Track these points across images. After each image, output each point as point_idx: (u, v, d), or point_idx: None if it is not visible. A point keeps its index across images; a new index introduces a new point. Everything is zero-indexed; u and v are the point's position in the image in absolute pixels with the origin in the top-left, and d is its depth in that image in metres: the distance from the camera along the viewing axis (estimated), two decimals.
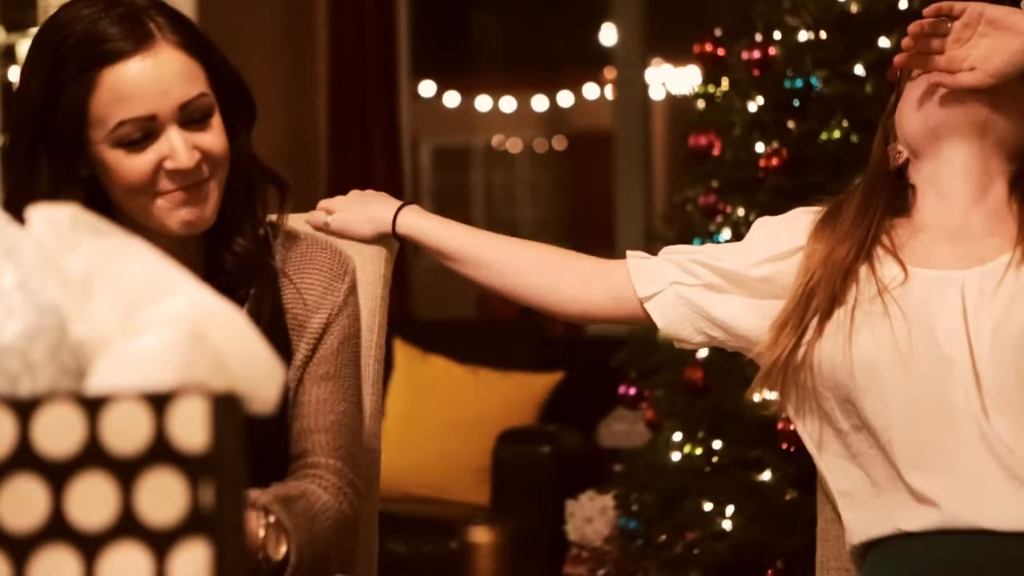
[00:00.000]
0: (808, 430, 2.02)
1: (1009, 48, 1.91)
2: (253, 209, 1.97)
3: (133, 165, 1.84)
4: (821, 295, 1.97)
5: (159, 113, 1.83)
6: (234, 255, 1.94)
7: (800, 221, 2.08)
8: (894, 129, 2.08)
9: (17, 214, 1.76)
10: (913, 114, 2.02)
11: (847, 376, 1.93)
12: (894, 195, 2.06)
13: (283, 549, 1.77)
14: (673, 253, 2.12)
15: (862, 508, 1.97)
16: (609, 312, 2.14)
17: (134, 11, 1.85)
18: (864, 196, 2.05)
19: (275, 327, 1.92)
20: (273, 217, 2.01)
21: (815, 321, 1.96)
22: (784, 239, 2.06)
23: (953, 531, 1.87)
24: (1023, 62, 1.92)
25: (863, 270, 1.98)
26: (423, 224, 2.19)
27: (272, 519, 1.76)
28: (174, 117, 1.84)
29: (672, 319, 2.08)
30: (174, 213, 1.87)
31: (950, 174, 2.01)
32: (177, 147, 1.84)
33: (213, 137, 1.87)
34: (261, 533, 1.75)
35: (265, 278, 1.95)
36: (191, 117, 1.85)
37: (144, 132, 1.83)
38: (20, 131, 1.87)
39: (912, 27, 1.97)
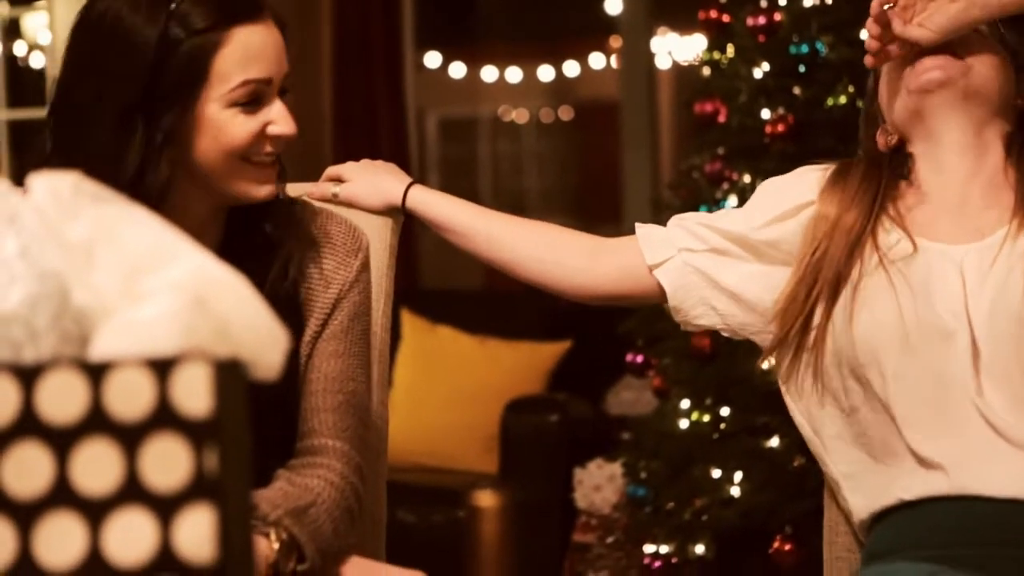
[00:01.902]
0: (806, 412, 2.02)
1: (949, 9, 1.95)
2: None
3: (243, 126, 1.86)
4: (827, 271, 1.97)
5: (274, 78, 1.88)
6: (264, 228, 1.96)
7: (805, 178, 2.08)
8: (881, 113, 2.09)
9: (109, 181, 1.78)
10: (895, 99, 2.04)
11: (851, 351, 1.94)
12: (898, 163, 2.07)
13: (292, 562, 1.78)
14: (683, 219, 2.12)
15: (864, 486, 1.99)
16: (617, 286, 2.14)
17: None
18: (867, 170, 2.06)
19: (287, 300, 1.92)
20: None
21: (822, 298, 1.96)
22: (788, 197, 2.06)
23: (953, 498, 1.89)
24: (966, 19, 1.95)
25: (868, 242, 1.99)
26: (432, 200, 2.20)
27: (285, 536, 1.77)
28: (278, 86, 1.90)
29: (678, 287, 2.08)
30: (262, 182, 1.91)
31: (944, 150, 2.02)
32: (284, 114, 1.89)
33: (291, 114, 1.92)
34: (275, 547, 1.76)
35: (282, 251, 1.95)
36: (283, 91, 1.91)
37: (256, 96, 1.87)
38: (121, 86, 1.82)
39: (868, 26, 2.01)
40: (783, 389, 2.05)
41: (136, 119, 1.82)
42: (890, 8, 1.99)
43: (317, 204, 2.05)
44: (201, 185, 1.89)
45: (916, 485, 1.92)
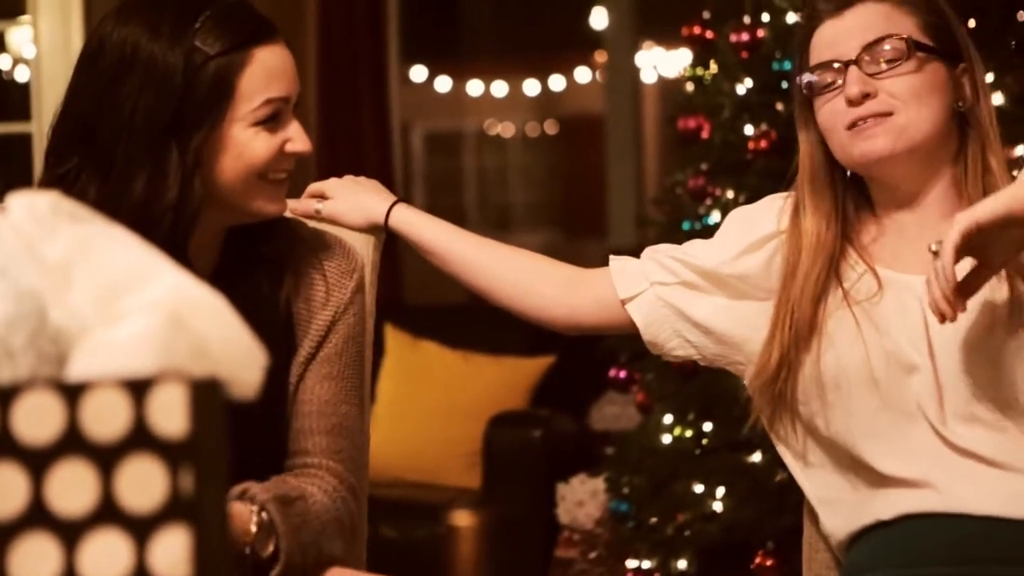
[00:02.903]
0: (791, 444, 2.04)
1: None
2: None
3: (265, 145, 1.89)
4: (798, 310, 1.98)
5: (291, 97, 1.91)
6: (260, 246, 1.96)
7: (771, 207, 2.08)
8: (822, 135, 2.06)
9: (152, 213, 1.79)
10: (834, 140, 2.02)
11: (819, 388, 1.97)
12: (854, 188, 2.07)
13: (271, 547, 1.78)
14: (655, 252, 2.13)
15: (841, 510, 2.02)
16: (593, 317, 2.15)
17: (248, 3, 1.93)
18: (823, 203, 2.05)
19: (279, 319, 1.93)
20: None
21: (792, 336, 1.97)
22: (755, 228, 2.07)
23: (929, 515, 1.92)
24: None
25: (833, 280, 2.01)
26: (415, 220, 2.20)
27: (266, 517, 1.76)
28: (293, 104, 1.93)
29: (651, 321, 2.09)
30: (276, 199, 1.93)
31: (896, 189, 2.02)
32: (301, 132, 1.92)
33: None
34: (253, 529, 1.76)
35: (277, 270, 1.96)
36: (294, 108, 1.94)
37: (276, 114, 1.89)
38: (149, 113, 1.83)
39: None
40: (766, 426, 2.07)
41: (170, 144, 1.83)
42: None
43: (311, 223, 2.07)
44: (216, 204, 1.89)
45: (891, 505, 1.95)
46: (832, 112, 1.99)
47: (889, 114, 1.96)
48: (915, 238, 2.00)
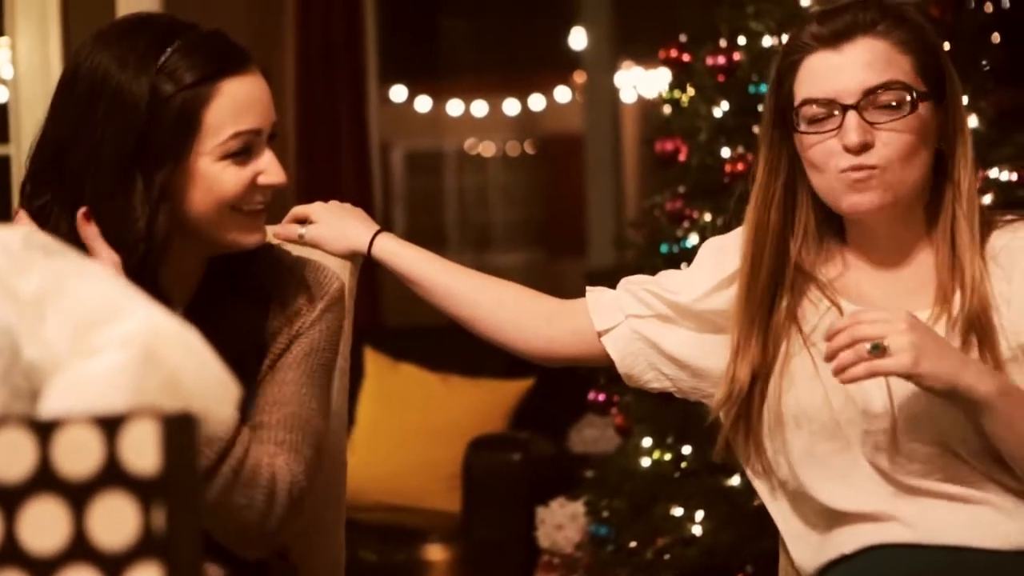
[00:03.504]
0: (758, 474, 2.07)
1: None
2: None
3: (235, 178, 1.86)
4: (753, 350, 1.99)
5: (263, 129, 1.89)
6: (240, 274, 1.94)
7: (736, 240, 2.07)
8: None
9: (116, 240, 1.75)
10: (817, 177, 1.98)
11: (779, 428, 1.99)
12: (822, 220, 2.05)
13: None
14: (630, 283, 2.13)
15: (809, 543, 2.04)
16: (571, 350, 2.16)
17: (223, 33, 1.90)
18: (761, 221, 2.03)
19: (259, 349, 1.91)
20: None
21: (756, 376, 1.99)
22: (727, 263, 2.07)
23: (890, 547, 1.95)
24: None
25: (792, 323, 2.01)
26: (397, 250, 2.21)
27: None
28: (267, 135, 1.90)
29: (626, 353, 2.10)
30: (252, 230, 1.91)
31: (870, 228, 2.02)
32: (274, 164, 1.90)
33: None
34: None
35: (256, 297, 1.95)
36: (270, 139, 1.91)
37: (246, 146, 1.87)
38: (115, 143, 1.82)
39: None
40: (739, 458, 2.08)
41: (135, 175, 1.82)
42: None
43: (295, 252, 2.04)
44: (191, 235, 1.88)
45: (854, 538, 1.97)
46: (826, 152, 1.95)
47: (878, 167, 1.93)
48: (882, 275, 2.01)
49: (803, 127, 1.97)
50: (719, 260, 2.08)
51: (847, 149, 1.93)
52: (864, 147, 1.93)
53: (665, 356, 2.09)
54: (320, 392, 1.95)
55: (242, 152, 1.86)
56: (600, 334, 2.11)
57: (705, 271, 2.09)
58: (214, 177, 1.85)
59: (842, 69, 1.95)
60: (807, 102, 1.96)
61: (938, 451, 1.94)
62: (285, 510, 1.85)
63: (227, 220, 1.88)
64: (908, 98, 1.94)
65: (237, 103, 1.85)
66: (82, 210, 1.84)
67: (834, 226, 2.06)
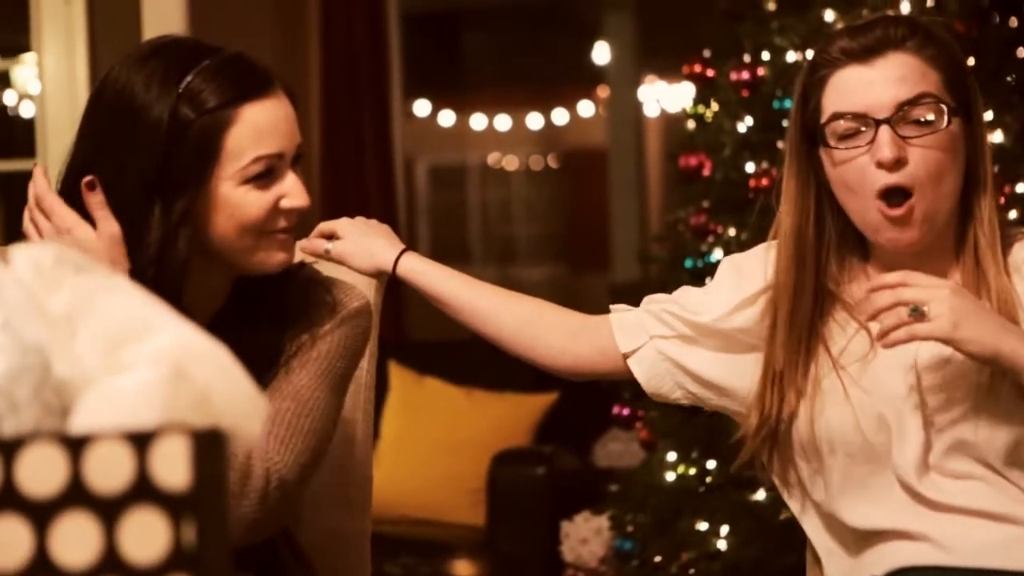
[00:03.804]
0: (790, 496, 2.06)
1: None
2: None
3: (257, 202, 1.85)
4: (787, 372, 1.98)
5: (286, 152, 1.87)
6: (266, 295, 1.93)
7: (764, 259, 2.06)
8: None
9: (134, 258, 1.76)
10: (851, 201, 1.96)
11: (813, 448, 1.98)
12: (844, 238, 2.03)
13: None
14: (652, 303, 2.13)
15: (842, 560, 2.03)
16: (596, 366, 2.17)
17: (246, 56, 1.89)
18: (799, 252, 2.00)
19: (267, 368, 1.90)
20: None
21: (786, 397, 1.98)
22: (747, 283, 2.05)
23: (920, 569, 1.94)
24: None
25: (820, 344, 1.99)
26: (422, 269, 2.21)
27: None
28: (291, 158, 1.89)
29: (652, 375, 2.11)
30: (277, 252, 1.90)
31: (900, 255, 1.98)
32: (297, 187, 1.88)
33: (304, 183, 1.91)
34: None
35: (281, 319, 1.94)
36: (296, 160, 1.90)
37: (269, 170, 1.86)
38: (137, 165, 1.82)
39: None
40: (774, 479, 2.08)
41: (154, 200, 1.82)
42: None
43: (325, 272, 2.02)
44: (216, 259, 1.88)
45: (884, 560, 1.96)
46: (859, 171, 1.92)
47: (912, 192, 1.91)
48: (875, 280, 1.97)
49: (832, 143, 1.94)
50: (737, 280, 2.07)
51: (880, 165, 1.90)
52: (898, 163, 1.90)
53: (690, 376, 2.09)
54: (326, 396, 1.92)
55: (264, 176, 1.86)
56: (625, 356, 2.11)
57: (724, 291, 2.08)
58: (236, 202, 1.85)
59: (874, 83, 1.92)
60: (837, 116, 1.94)
61: (974, 468, 1.93)
62: (257, 498, 1.81)
63: (251, 243, 1.88)
64: (942, 112, 1.92)
65: (258, 128, 1.84)
66: (86, 179, 1.84)
67: (853, 240, 2.03)
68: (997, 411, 1.92)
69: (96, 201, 1.84)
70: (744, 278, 2.06)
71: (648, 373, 2.11)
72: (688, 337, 2.08)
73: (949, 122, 1.92)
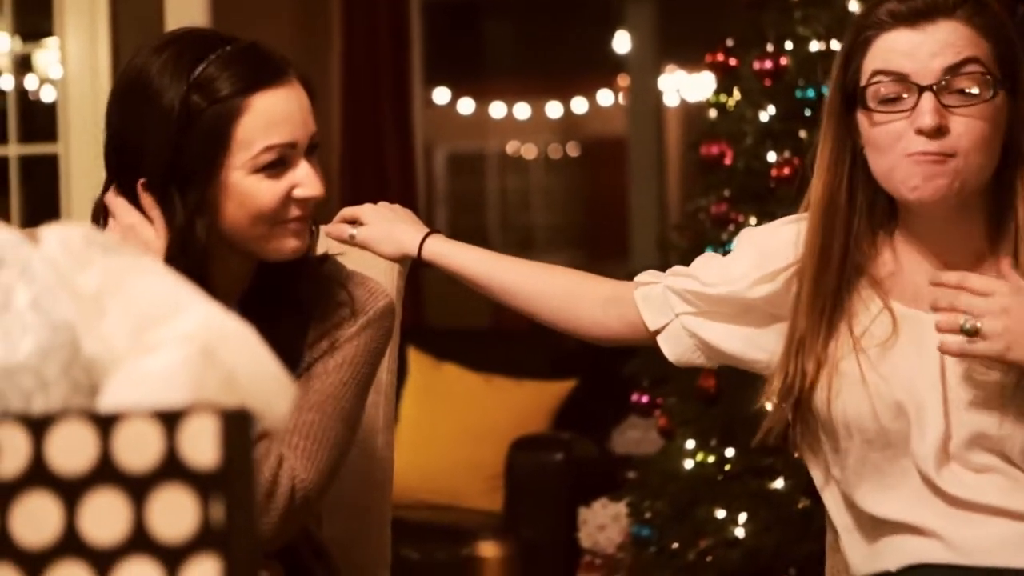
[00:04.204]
0: (814, 467, 2.05)
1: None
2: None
3: (268, 191, 1.86)
4: (820, 344, 1.96)
5: (298, 142, 1.87)
6: (286, 285, 1.94)
7: (782, 235, 2.04)
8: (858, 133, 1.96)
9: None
10: (881, 160, 1.92)
11: (831, 429, 1.97)
12: (875, 209, 1.99)
13: None
14: (676, 276, 2.11)
15: (859, 542, 2.01)
16: (627, 337, 2.17)
17: (261, 46, 1.89)
18: (827, 222, 1.97)
19: (296, 365, 1.90)
20: None
21: (808, 374, 1.96)
22: (767, 260, 2.03)
23: (933, 566, 1.92)
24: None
25: (843, 320, 1.97)
26: (448, 251, 2.22)
27: None
28: (304, 147, 1.88)
29: (681, 351, 2.11)
30: (290, 240, 1.89)
31: (930, 220, 1.96)
32: (310, 176, 1.88)
33: (320, 172, 1.91)
34: None
35: (300, 311, 1.94)
36: (311, 150, 1.90)
37: (280, 160, 1.86)
38: (154, 151, 1.83)
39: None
40: (801, 447, 2.07)
41: (171, 187, 1.83)
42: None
43: (346, 267, 2.02)
44: (231, 247, 1.89)
45: (897, 556, 1.95)
46: (894, 134, 1.89)
47: (952, 155, 1.88)
48: (936, 274, 1.93)
49: (872, 105, 1.90)
50: (758, 258, 2.04)
51: (920, 132, 1.86)
52: (939, 131, 1.86)
53: (717, 351, 2.08)
54: (351, 405, 1.93)
55: (276, 165, 1.86)
56: (654, 333, 2.12)
57: (743, 264, 2.05)
58: (246, 191, 1.85)
59: (921, 47, 1.88)
60: (879, 74, 1.89)
61: (994, 462, 1.91)
62: (281, 513, 1.83)
63: (264, 232, 1.88)
64: (988, 83, 1.88)
65: (269, 117, 1.84)
66: (141, 180, 1.85)
67: (881, 215, 1.99)
68: (1022, 408, 1.89)
69: (149, 202, 1.85)
70: (764, 259, 2.03)
71: (676, 351, 2.11)
72: (712, 313, 2.07)
73: (995, 94, 1.88)
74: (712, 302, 2.06)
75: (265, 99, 1.84)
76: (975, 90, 1.88)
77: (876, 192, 1.97)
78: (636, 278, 2.16)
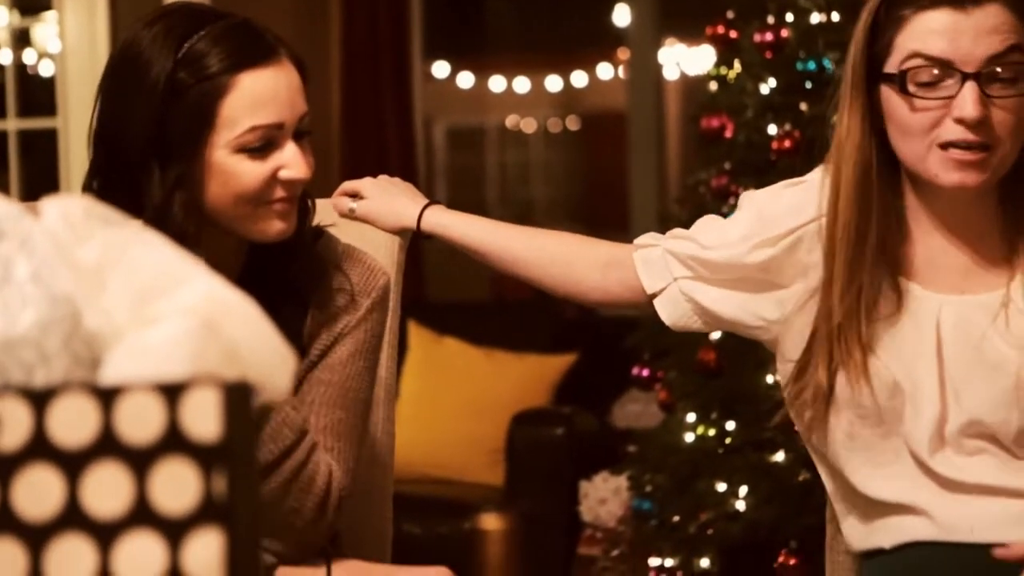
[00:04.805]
0: (812, 445, 2.04)
1: None
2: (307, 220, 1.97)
3: (252, 172, 1.84)
4: (846, 324, 1.91)
5: (285, 122, 1.85)
6: (281, 266, 1.93)
7: (785, 199, 2.01)
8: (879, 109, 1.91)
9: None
10: (909, 143, 1.87)
11: (829, 407, 1.95)
12: (888, 194, 1.94)
13: None
14: (676, 239, 2.10)
15: (854, 522, 2.01)
16: (626, 300, 2.17)
17: (253, 24, 1.88)
18: (861, 201, 1.92)
19: (293, 338, 1.90)
20: None
21: (849, 349, 1.92)
22: (769, 224, 2.00)
23: (928, 544, 1.92)
24: None
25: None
26: (447, 221, 2.21)
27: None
28: (292, 129, 1.86)
29: (678, 315, 2.09)
30: (274, 221, 1.88)
31: (950, 200, 1.92)
32: (296, 158, 1.86)
33: (310, 155, 1.90)
34: None
35: (297, 290, 1.93)
36: (301, 131, 1.88)
37: (266, 140, 1.84)
38: (138, 123, 1.82)
39: None
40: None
41: (151, 160, 1.82)
42: None
43: (341, 243, 2.01)
44: (218, 226, 1.87)
45: (891, 535, 1.95)
46: (930, 121, 1.84)
47: (988, 147, 1.83)
48: (946, 253, 1.93)
49: (912, 89, 1.84)
50: (755, 220, 2.01)
51: (961, 122, 1.82)
52: (979, 122, 1.82)
53: (712, 315, 2.07)
54: (363, 395, 1.95)
55: (262, 146, 1.84)
56: (651, 296, 2.11)
57: (742, 227, 2.02)
58: (230, 170, 1.83)
59: (966, 33, 1.82)
60: (917, 56, 1.83)
61: (985, 446, 1.90)
62: (330, 520, 1.86)
63: (247, 212, 1.86)
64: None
65: (255, 96, 1.82)
66: None
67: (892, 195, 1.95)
68: (1019, 395, 1.88)
69: None
70: (765, 220, 2.01)
71: (674, 315, 2.09)
72: (710, 279, 2.05)
73: None
74: (709, 267, 2.05)
75: (252, 78, 1.82)
76: (1015, 79, 1.83)
77: (894, 168, 1.93)
78: (636, 240, 2.15)
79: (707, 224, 2.10)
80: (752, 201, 2.07)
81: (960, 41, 1.82)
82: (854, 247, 1.90)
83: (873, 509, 1.97)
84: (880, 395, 1.90)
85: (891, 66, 1.87)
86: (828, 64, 3.29)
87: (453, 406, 4.89)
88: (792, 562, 3.20)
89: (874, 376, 1.90)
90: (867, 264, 1.91)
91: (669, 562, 3.44)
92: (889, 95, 1.88)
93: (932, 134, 1.84)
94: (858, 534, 2.00)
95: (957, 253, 1.94)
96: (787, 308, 2.00)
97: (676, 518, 3.43)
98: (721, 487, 3.34)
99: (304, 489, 1.83)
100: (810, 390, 1.94)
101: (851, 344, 1.91)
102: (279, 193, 1.86)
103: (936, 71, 1.83)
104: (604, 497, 4.26)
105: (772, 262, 2.00)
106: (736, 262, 2.02)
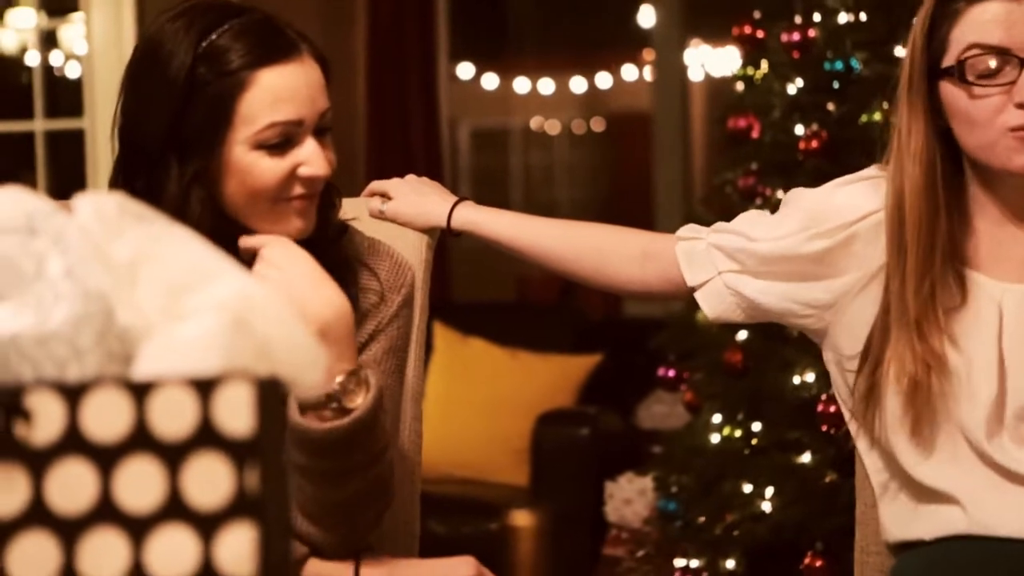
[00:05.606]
0: (861, 429, 2.03)
1: None
2: (333, 217, 1.97)
3: (270, 168, 1.83)
4: (924, 317, 1.92)
5: (305, 119, 1.84)
6: (323, 262, 1.92)
7: (838, 199, 2.02)
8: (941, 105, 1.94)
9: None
10: (977, 132, 1.90)
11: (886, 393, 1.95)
12: (954, 189, 1.96)
13: (359, 400, 1.74)
14: (722, 233, 2.09)
15: (897, 509, 2.00)
16: (663, 291, 2.17)
17: (275, 20, 1.86)
18: (932, 201, 1.93)
19: None
20: None
21: (929, 341, 1.92)
22: (821, 219, 2.01)
23: (969, 537, 1.91)
24: None
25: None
26: (478, 219, 2.21)
27: (363, 375, 1.74)
28: (312, 126, 1.85)
29: (722, 309, 2.09)
30: (293, 219, 1.87)
31: (1011, 195, 1.94)
32: (315, 155, 1.85)
33: (331, 152, 1.89)
34: (339, 379, 1.73)
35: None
36: (322, 128, 1.87)
37: (285, 137, 1.83)
38: (156, 118, 1.81)
39: None
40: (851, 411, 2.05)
41: (169, 155, 1.81)
42: None
43: (367, 237, 2.00)
44: (237, 223, 1.86)
45: (933, 526, 1.94)
46: (992, 108, 1.87)
47: None
48: (1010, 243, 1.95)
49: (971, 78, 1.88)
50: (805, 217, 2.01)
51: (1021, 106, 1.85)
52: None
53: (757, 306, 2.07)
54: (396, 395, 1.95)
55: (280, 143, 1.83)
56: (692, 289, 2.11)
57: (792, 223, 2.03)
58: (248, 167, 1.82)
59: (1021, 20, 1.86)
60: (975, 47, 1.87)
61: None
62: (380, 529, 1.88)
63: (266, 209, 1.86)
64: None
65: (275, 93, 1.81)
66: None
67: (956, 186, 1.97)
68: None
69: None
70: (816, 216, 2.01)
71: (717, 307, 2.09)
72: (757, 272, 2.05)
73: None
74: (759, 259, 2.04)
75: (272, 74, 1.81)
76: None
77: (957, 167, 1.95)
78: (678, 232, 2.15)
79: (752, 218, 2.10)
80: (802, 197, 2.07)
81: (1016, 29, 1.86)
82: (925, 244, 1.92)
83: (920, 495, 1.96)
84: (935, 380, 1.90)
85: (949, 60, 1.91)
86: (856, 64, 3.28)
87: (478, 406, 4.89)
88: (818, 564, 3.20)
89: (932, 357, 1.91)
90: (937, 259, 1.92)
91: (694, 563, 3.44)
92: (950, 90, 1.91)
93: (998, 121, 1.87)
94: (900, 523, 1.99)
95: (1021, 243, 1.95)
96: (838, 294, 2.00)
97: (702, 519, 3.42)
98: (747, 488, 3.33)
99: (376, 496, 1.84)
100: (889, 384, 1.94)
101: (931, 337, 1.91)
102: (298, 190, 1.86)
103: (994, 60, 1.87)
104: (629, 498, 4.26)
105: (828, 254, 2.00)
106: (790, 253, 2.02)
